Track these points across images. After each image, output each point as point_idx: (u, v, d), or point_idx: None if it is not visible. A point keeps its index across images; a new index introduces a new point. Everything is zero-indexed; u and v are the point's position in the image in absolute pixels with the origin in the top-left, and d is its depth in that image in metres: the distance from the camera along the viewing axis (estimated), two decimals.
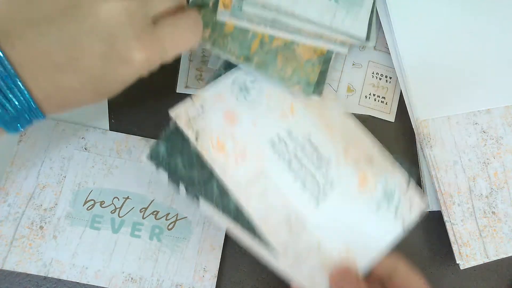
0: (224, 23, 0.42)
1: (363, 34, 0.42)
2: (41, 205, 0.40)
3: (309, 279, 0.31)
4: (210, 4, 0.43)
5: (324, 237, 0.32)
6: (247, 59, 0.42)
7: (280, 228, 0.32)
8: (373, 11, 0.44)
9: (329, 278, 0.31)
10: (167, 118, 0.44)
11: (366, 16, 0.43)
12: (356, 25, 0.43)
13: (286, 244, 0.32)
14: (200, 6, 0.43)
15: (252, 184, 0.33)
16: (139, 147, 0.42)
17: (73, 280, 0.39)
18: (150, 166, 0.34)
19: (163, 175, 0.34)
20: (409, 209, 0.34)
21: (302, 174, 0.33)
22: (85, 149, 0.42)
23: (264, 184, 0.33)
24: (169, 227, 0.40)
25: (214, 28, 0.42)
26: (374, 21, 0.44)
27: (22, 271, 0.39)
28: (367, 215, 0.33)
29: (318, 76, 0.42)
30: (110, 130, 0.43)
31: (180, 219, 0.41)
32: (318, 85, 0.42)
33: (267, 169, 0.33)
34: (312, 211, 0.32)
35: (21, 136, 0.41)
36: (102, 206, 0.40)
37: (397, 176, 0.34)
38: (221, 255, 0.40)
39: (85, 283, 0.39)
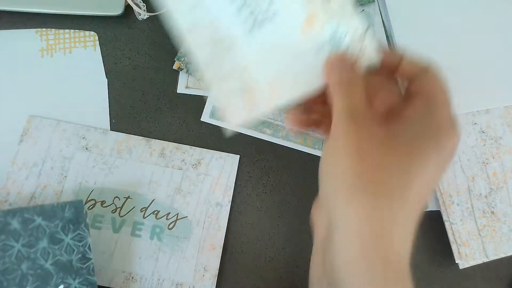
0: None
1: None
2: None
3: (226, 99, 0.31)
4: None
5: (251, 64, 0.31)
6: None
7: (204, 43, 0.31)
8: (384, 23, 0.44)
9: (325, 63, 0.29)
10: (167, 118, 0.44)
11: (381, 33, 0.43)
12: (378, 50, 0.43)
13: (208, 60, 0.31)
14: None
15: None
16: (139, 147, 0.42)
17: None
18: None
19: None
20: (360, 57, 0.31)
21: None
22: (86, 149, 0.42)
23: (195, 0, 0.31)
24: (170, 226, 0.41)
25: None
26: (389, 33, 0.44)
27: None
28: (304, 54, 0.31)
29: None
30: (111, 130, 0.43)
31: (181, 218, 0.41)
32: None
33: None
34: (244, 35, 0.31)
35: (22, 136, 0.41)
36: (103, 205, 0.41)
37: (353, 22, 0.31)
38: (221, 255, 0.40)
39: None
